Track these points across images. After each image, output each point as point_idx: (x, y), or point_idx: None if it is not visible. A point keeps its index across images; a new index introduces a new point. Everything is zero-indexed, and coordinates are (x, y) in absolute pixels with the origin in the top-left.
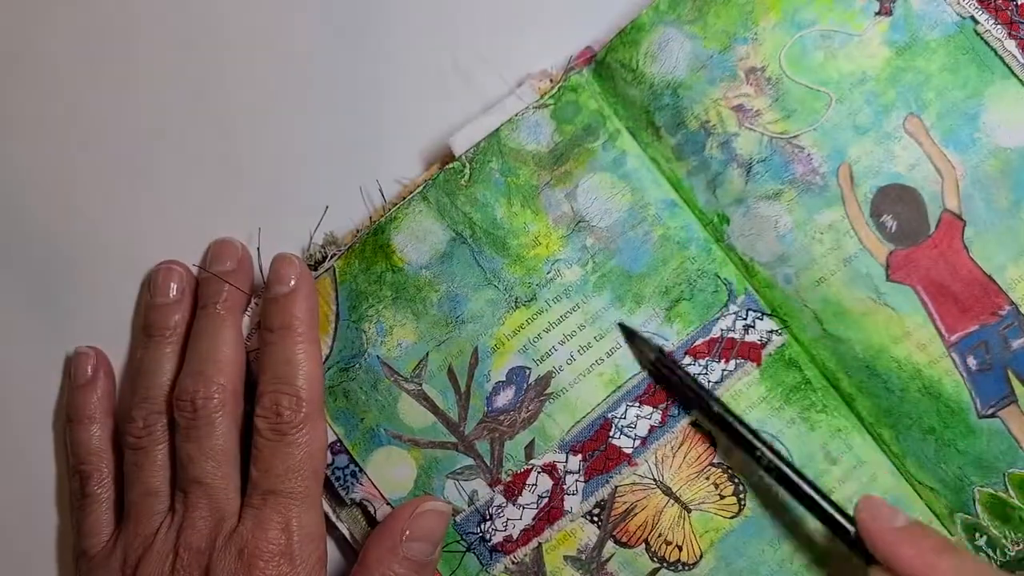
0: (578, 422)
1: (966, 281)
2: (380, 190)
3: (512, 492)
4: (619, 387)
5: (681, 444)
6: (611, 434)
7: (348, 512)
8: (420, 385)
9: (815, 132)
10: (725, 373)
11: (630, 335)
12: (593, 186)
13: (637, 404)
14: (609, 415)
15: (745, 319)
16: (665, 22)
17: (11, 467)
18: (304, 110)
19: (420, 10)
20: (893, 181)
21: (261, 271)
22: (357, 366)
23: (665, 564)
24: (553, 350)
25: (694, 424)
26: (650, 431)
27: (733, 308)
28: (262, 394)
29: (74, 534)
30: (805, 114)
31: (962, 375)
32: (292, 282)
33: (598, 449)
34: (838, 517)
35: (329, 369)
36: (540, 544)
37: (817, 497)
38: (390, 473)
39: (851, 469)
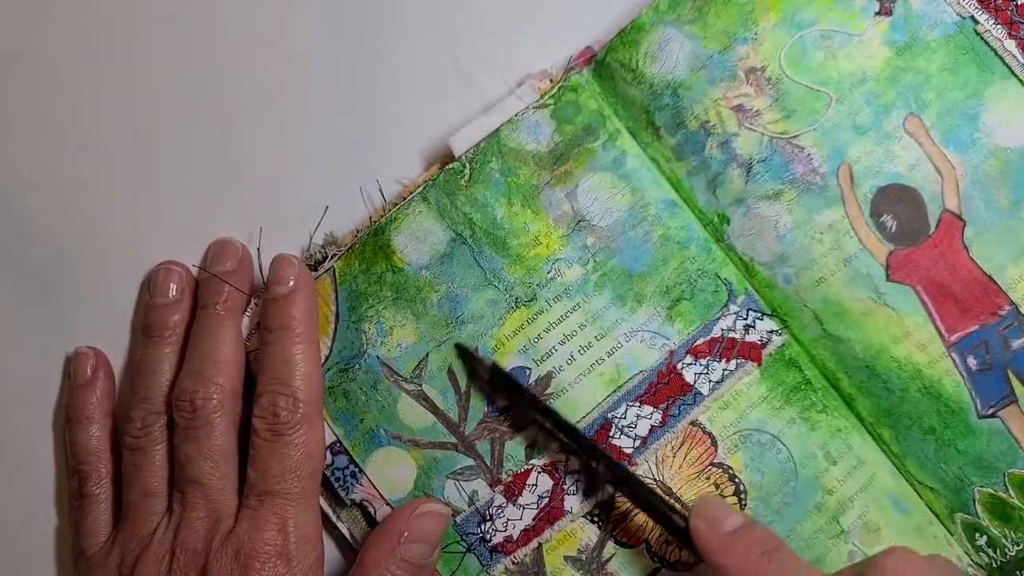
0: (578, 422)
1: (966, 281)
2: (380, 190)
3: (512, 492)
4: (619, 387)
5: (681, 444)
6: (611, 434)
7: (348, 512)
8: (420, 385)
9: (815, 132)
10: (726, 373)
11: (464, 353)
12: (593, 186)
13: (638, 404)
14: (609, 415)
15: (745, 319)
16: (665, 22)
17: (11, 467)
18: (304, 110)
19: (420, 10)
20: (893, 181)
21: (261, 271)
22: (357, 367)
23: (665, 564)
24: (553, 350)
25: (694, 424)
26: (650, 431)
27: (733, 308)
28: (260, 395)
29: (72, 534)
30: (805, 114)
31: (962, 375)
32: (291, 283)
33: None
34: (674, 517)
35: (329, 370)
36: (540, 544)
37: (656, 497)
38: (390, 474)
39: (851, 469)
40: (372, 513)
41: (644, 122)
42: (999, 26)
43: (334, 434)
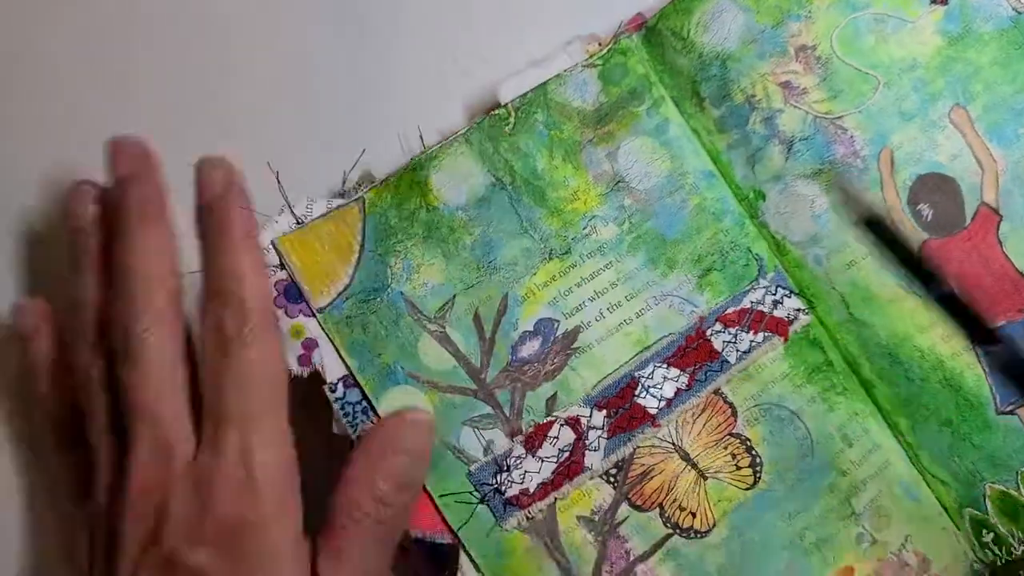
0: (604, 378)
1: (997, 276)
2: (420, 136)
3: (533, 443)
4: (647, 347)
5: (703, 411)
6: (637, 392)
7: None
8: (443, 327)
9: (860, 114)
10: (753, 344)
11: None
12: (634, 149)
13: (665, 366)
14: (636, 374)
15: (774, 294)
16: None
17: (11, 467)
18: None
19: None
20: (933, 170)
21: (286, 199)
22: (379, 299)
23: (678, 530)
24: (583, 305)
25: (717, 393)
26: (676, 393)
27: (763, 283)
28: (203, 312)
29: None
30: (852, 96)
31: (984, 370)
32: (223, 186)
33: (623, 407)
34: None
35: (348, 299)
36: (555, 500)
37: None
38: None
39: (866, 452)
40: None
41: (689, 92)
42: None
43: (347, 367)
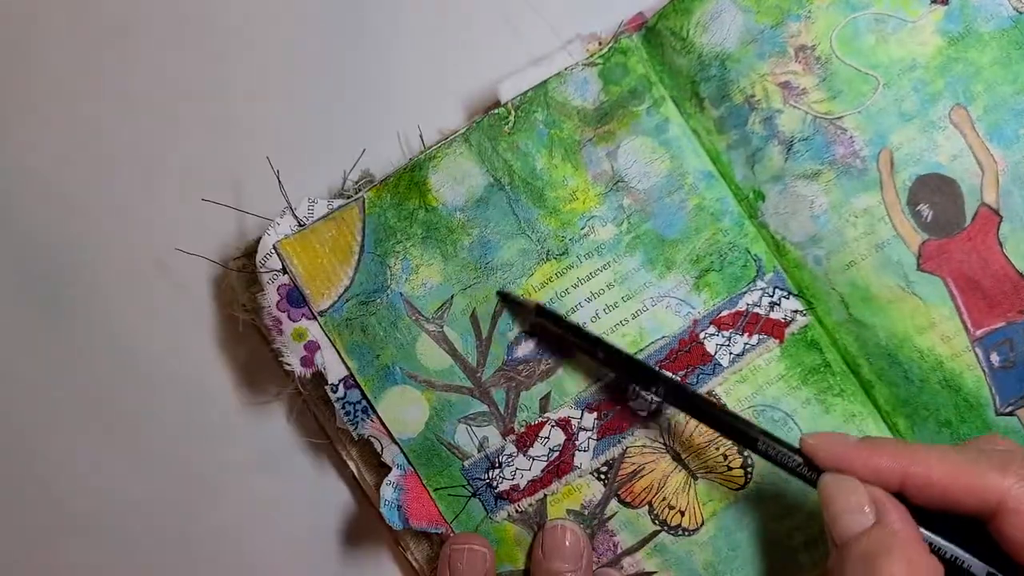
0: (597, 380)
1: (997, 277)
2: (421, 136)
3: (524, 443)
4: (641, 349)
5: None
6: (628, 395)
7: (357, 450)
8: (442, 327)
9: (860, 115)
10: (747, 347)
11: (505, 297)
12: (634, 148)
13: (657, 369)
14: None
15: (771, 296)
16: None
17: (11, 467)
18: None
19: None
20: (933, 171)
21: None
22: (378, 301)
23: (666, 528)
24: (579, 306)
25: (711, 394)
26: None
27: (761, 284)
28: None
29: None
30: (851, 96)
31: (984, 371)
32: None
33: (613, 409)
34: (749, 431)
35: (348, 301)
36: (545, 496)
37: (723, 414)
38: (402, 413)
39: None
40: (379, 451)
41: (689, 92)
42: None
43: (347, 368)
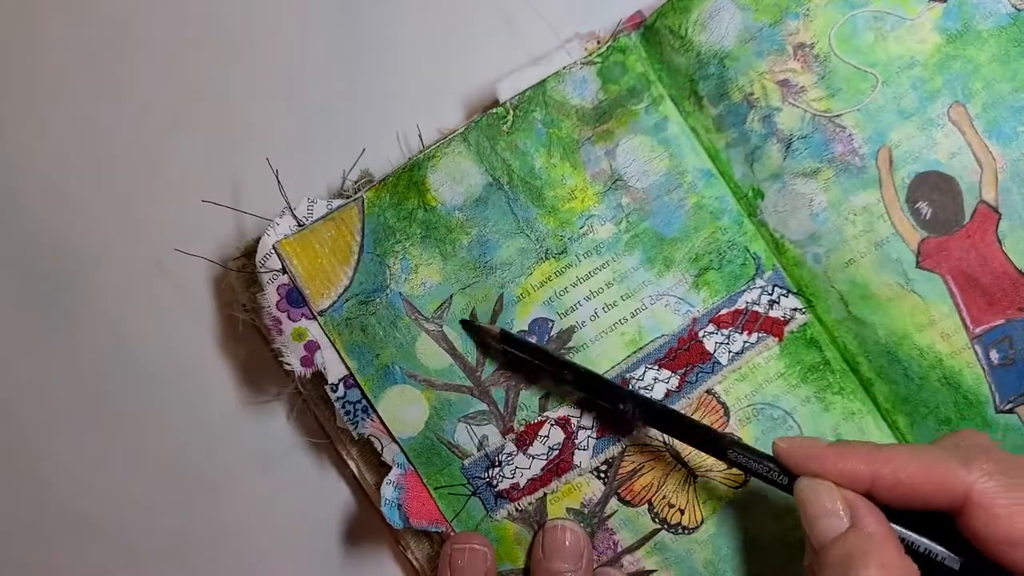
0: None
1: (996, 274)
2: (420, 135)
3: (524, 441)
4: (640, 348)
5: (695, 410)
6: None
7: (357, 449)
8: (441, 327)
9: (858, 113)
10: (746, 345)
11: (469, 326)
12: (633, 147)
13: (656, 367)
14: (627, 375)
15: (771, 295)
16: None
17: (11, 467)
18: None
19: None
20: (932, 168)
21: (287, 201)
22: (378, 300)
23: (666, 526)
24: (578, 305)
25: (710, 392)
26: (666, 395)
27: (760, 283)
28: None
29: None
30: (850, 94)
31: (983, 368)
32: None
33: None
34: (722, 438)
35: (347, 301)
36: (545, 494)
37: (695, 427)
38: (402, 412)
39: None
40: (379, 450)
41: (687, 91)
42: None
43: (347, 367)
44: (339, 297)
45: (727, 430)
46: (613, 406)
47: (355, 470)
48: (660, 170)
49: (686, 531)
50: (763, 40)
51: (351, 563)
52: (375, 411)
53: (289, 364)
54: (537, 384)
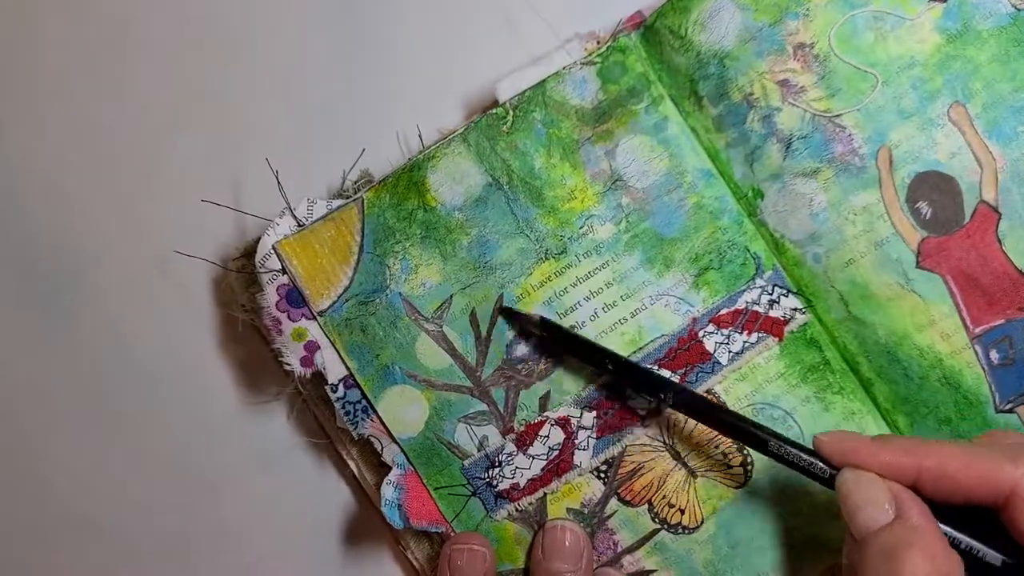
0: (596, 379)
1: (996, 274)
2: (420, 136)
3: (524, 442)
4: (640, 348)
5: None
6: (627, 394)
7: (357, 449)
8: (441, 327)
9: (858, 113)
10: (746, 345)
11: (508, 313)
12: (633, 147)
13: (656, 367)
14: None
15: (771, 294)
16: None
17: (11, 467)
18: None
19: None
20: (932, 168)
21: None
22: (377, 301)
23: (666, 526)
24: (578, 305)
25: (710, 392)
26: None
27: (760, 282)
28: None
29: None
30: (850, 94)
31: (983, 368)
32: None
33: (613, 408)
34: (763, 435)
35: (347, 301)
36: (545, 494)
37: (739, 422)
38: (402, 412)
39: None
40: (379, 450)
41: (687, 91)
42: None
43: (347, 367)
44: (339, 297)
45: None
46: (654, 396)
47: (355, 470)
48: (660, 170)
49: (686, 531)
50: (763, 40)
51: (351, 563)
52: (375, 411)
53: (289, 364)
54: (538, 382)
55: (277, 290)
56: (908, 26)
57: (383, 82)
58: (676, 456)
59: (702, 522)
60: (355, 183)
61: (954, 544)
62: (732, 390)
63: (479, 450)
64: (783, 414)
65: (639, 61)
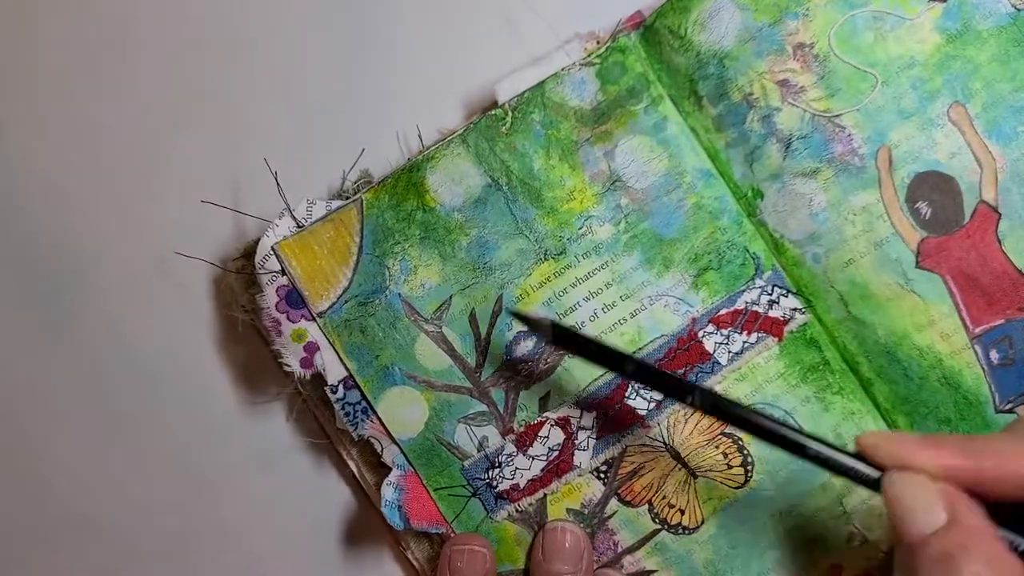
0: (595, 379)
1: (996, 274)
2: (420, 136)
3: (524, 442)
4: (639, 348)
5: (695, 411)
6: (627, 394)
7: (357, 450)
8: (440, 328)
9: (858, 113)
10: (746, 345)
11: (519, 316)
12: (632, 148)
13: (656, 367)
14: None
15: (770, 294)
16: None
17: (11, 467)
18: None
19: None
20: (932, 168)
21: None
22: (377, 302)
23: (666, 526)
24: (578, 305)
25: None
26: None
27: (759, 282)
28: None
29: None
30: (850, 94)
31: (983, 368)
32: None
33: (612, 408)
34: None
35: (347, 302)
36: (545, 495)
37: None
38: (401, 413)
39: None
40: (379, 451)
41: (687, 91)
42: None
43: (347, 368)
44: (338, 298)
45: (727, 430)
46: (679, 399)
47: (355, 471)
48: (659, 170)
49: (686, 531)
50: (763, 40)
51: (351, 563)
52: (375, 412)
53: (289, 365)
54: (537, 382)
55: (276, 291)
56: (908, 26)
57: (383, 82)
58: (676, 456)
59: (702, 522)
60: (354, 184)
61: (1013, 547)
62: (732, 390)
63: (479, 451)
64: (783, 414)
65: (638, 61)
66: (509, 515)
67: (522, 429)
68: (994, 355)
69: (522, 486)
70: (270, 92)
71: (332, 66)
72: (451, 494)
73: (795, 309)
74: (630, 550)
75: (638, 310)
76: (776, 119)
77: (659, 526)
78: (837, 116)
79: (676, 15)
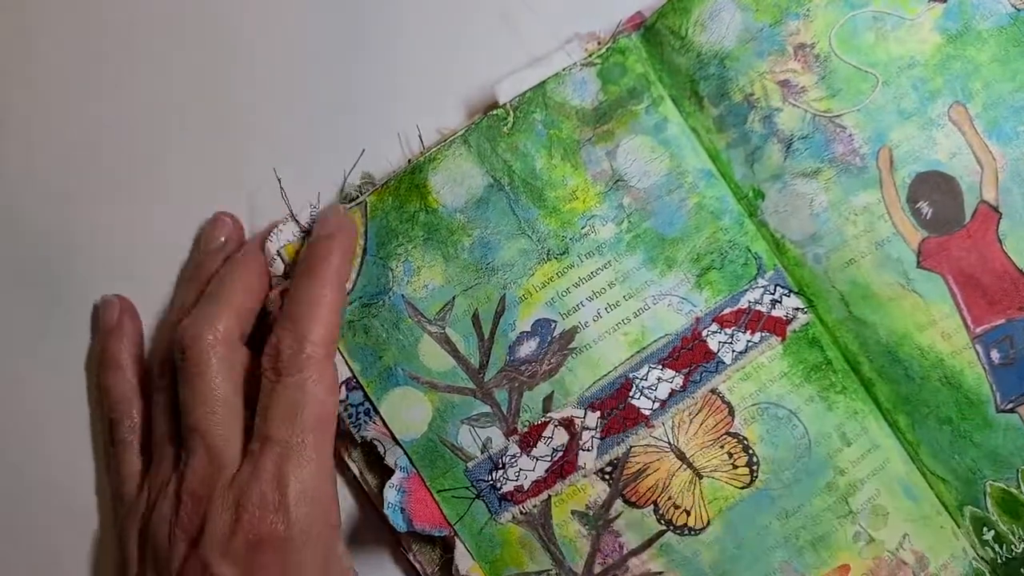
0: (599, 379)
1: (997, 274)
2: (420, 136)
3: (527, 443)
4: (643, 348)
5: (700, 411)
6: (631, 394)
7: (359, 452)
8: (443, 328)
9: (859, 113)
10: (750, 344)
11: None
12: (634, 147)
13: (660, 367)
14: (631, 375)
15: (773, 294)
16: None
17: (11, 466)
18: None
19: None
20: (932, 168)
21: (292, 213)
22: (380, 303)
23: (672, 527)
24: (580, 305)
25: (714, 392)
26: (670, 395)
27: (762, 282)
28: (270, 334)
29: (110, 480)
30: (851, 94)
31: (984, 367)
32: (336, 228)
33: (617, 408)
34: None
35: (351, 303)
36: (550, 496)
37: None
38: (405, 414)
39: (865, 451)
40: (382, 453)
41: (688, 91)
42: None
43: (350, 369)
44: None
45: (732, 430)
46: None
47: (357, 473)
48: (661, 170)
49: (692, 532)
50: (763, 40)
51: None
52: (378, 413)
53: None
54: (541, 383)
55: (281, 295)
56: (908, 26)
57: (383, 83)
58: (681, 457)
59: (708, 523)
60: (357, 186)
61: None
62: (736, 389)
63: (482, 452)
64: (788, 413)
65: (639, 62)
66: (513, 517)
67: (526, 430)
68: (995, 355)
69: (526, 488)
70: (270, 93)
71: (332, 67)
72: (454, 496)
73: (797, 309)
74: (636, 552)
75: (641, 309)
76: (777, 119)
77: (664, 527)
78: (838, 116)
79: (677, 16)
